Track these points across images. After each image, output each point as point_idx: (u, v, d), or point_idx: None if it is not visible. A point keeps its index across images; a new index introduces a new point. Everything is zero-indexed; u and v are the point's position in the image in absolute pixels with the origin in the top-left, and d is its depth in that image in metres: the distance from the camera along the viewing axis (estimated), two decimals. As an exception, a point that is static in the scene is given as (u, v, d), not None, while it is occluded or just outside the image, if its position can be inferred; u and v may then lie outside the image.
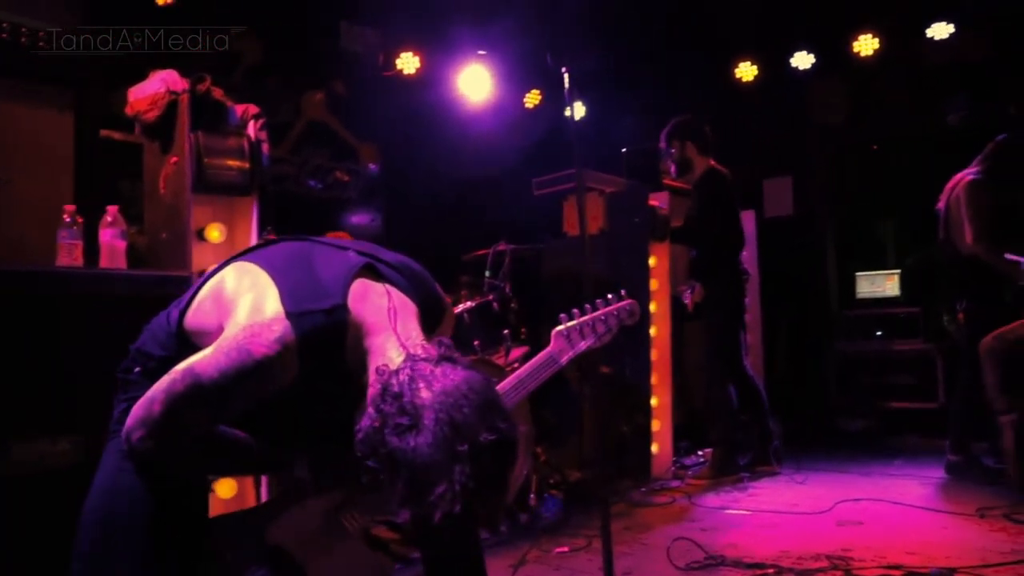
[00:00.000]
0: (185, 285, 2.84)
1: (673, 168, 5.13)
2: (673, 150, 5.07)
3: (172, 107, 3.07)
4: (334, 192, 5.60)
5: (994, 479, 4.29)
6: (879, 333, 6.08)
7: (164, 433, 1.45)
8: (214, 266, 1.78)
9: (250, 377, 1.45)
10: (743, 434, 5.07)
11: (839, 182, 6.89)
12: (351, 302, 1.54)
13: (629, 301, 2.48)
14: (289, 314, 1.48)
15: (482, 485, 1.34)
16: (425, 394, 1.34)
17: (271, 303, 1.51)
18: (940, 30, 5.79)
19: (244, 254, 1.72)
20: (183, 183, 3.02)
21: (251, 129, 3.19)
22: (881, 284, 6.33)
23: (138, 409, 1.46)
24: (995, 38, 5.82)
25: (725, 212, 4.95)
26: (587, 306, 2.41)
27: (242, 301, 1.54)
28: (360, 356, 1.52)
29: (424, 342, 1.49)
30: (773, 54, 6.46)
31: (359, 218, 5.94)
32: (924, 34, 5.86)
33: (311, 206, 5.52)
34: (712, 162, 5.04)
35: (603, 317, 2.40)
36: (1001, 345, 2.81)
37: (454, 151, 6.04)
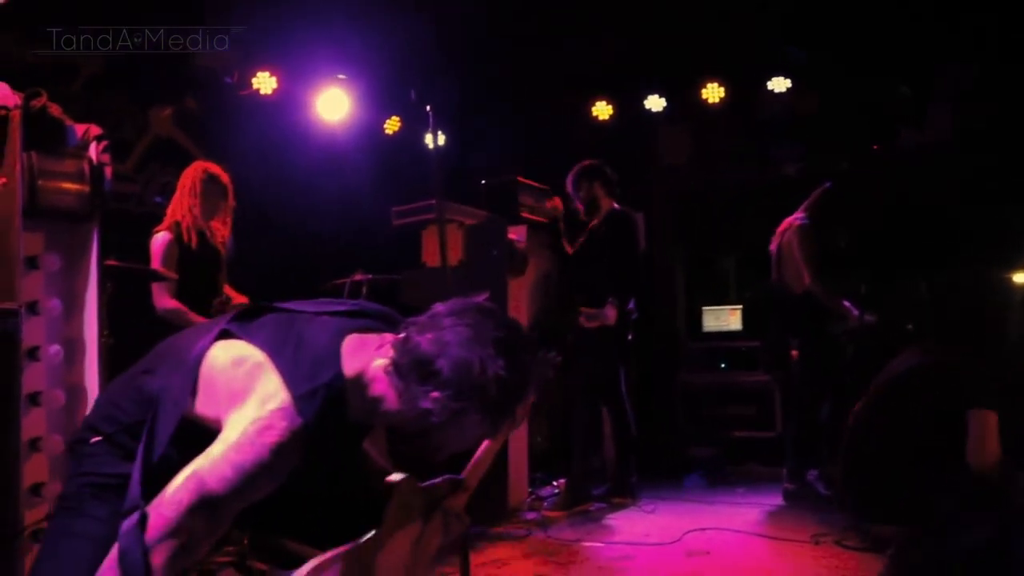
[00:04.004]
0: (12, 319, 2.61)
1: (581, 208, 5.23)
2: (581, 192, 5.18)
3: (2, 123, 2.82)
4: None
5: (826, 505, 4.57)
6: (723, 365, 6.37)
7: (180, 552, 1.40)
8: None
9: (266, 471, 1.44)
10: (599, 463, 5.17)
11: (686, 221, 7.20)
12: (345, 363, 1.56)
13: None
14: (296, 399, 1.47)
15: (527, 377, 1.57)
16: (430, 335, 1.53)
17: (277, 390, 1.49)
18: (778, 83, 6.20)
19: (232, 324, 1.64)
20: (12, 208, 2.77)
21: (93, 151, 2.98)
22: (725, 318, 6.65)
23: (150, 530, 1.39)
24: (822, 96, 6.29)
25: (628, 250, 5.08)
26: None
27: (248, 389, 1.50)
28: (367, 398, 1.58)
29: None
30: (627, 95, 6.70)
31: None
32: (765, 86, 6.25)
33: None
34: (615, 204, 5.17)
35: None
36: None
37: (311, 175, 5.89)
